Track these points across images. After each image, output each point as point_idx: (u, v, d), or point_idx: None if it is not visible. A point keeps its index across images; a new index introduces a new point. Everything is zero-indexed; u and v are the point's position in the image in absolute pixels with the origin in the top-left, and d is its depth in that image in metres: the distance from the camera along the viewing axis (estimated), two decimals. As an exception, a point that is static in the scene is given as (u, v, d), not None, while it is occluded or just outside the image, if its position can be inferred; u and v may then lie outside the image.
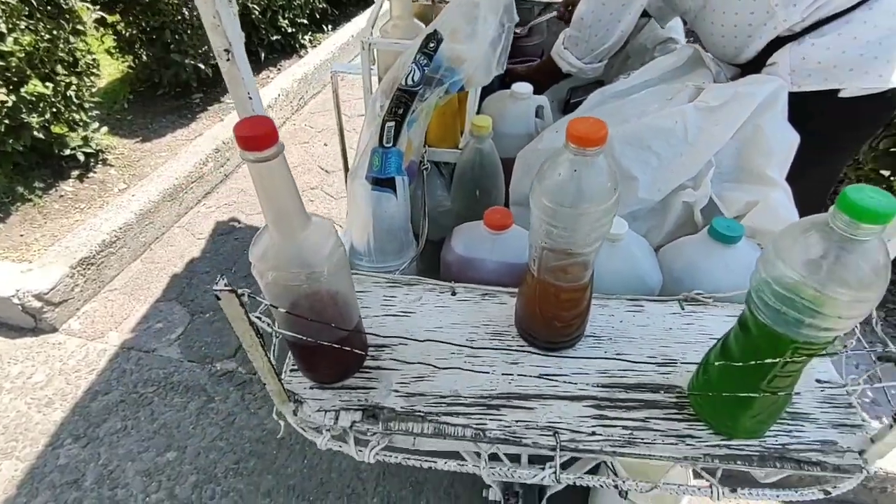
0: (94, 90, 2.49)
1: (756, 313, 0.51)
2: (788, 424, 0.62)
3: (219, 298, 0.49)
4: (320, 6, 3.82)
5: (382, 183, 0.84)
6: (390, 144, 0.83)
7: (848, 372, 0.67)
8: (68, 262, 1.92)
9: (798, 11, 0.94)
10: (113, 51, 2.89)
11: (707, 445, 0.60)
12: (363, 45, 1.06)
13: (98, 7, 2.61)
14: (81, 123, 2.40)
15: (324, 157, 2.81)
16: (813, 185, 1.03)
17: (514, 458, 0.85)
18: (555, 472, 0.60)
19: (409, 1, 1.14)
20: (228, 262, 2.19)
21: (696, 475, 0.63)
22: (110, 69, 3.11)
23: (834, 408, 0.63)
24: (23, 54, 2.06)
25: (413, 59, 0.85)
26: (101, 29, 2.77)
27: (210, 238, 2.31)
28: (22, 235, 2.14)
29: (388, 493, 1.45)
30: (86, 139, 2.41)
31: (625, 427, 0.62)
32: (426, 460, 0.64)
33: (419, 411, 0.63)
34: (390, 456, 0.64)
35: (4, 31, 2.00)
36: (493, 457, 0.66)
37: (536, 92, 1.12)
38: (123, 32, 2.80)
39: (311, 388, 0.67)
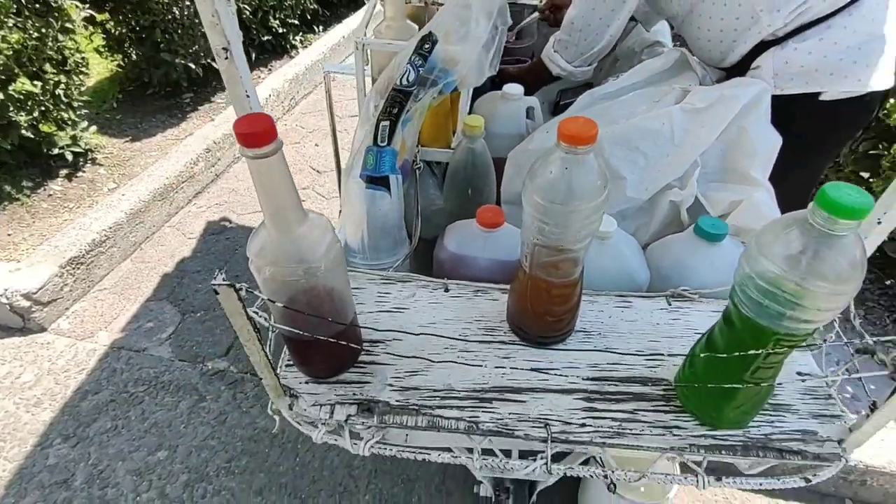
0: (83, 89, 2.47)
1: (740, 307, 0.53)
2: (771, 415, 0.64)
3: (217, 293, 0.50)
4: (311, 7, 3.82)
5: (377, 181, 0.85)
6: (385, 143, 0.84)
7: (828, 366, 0.70)
8: (57, 261, 1.90)
9: (781, 17, 0.97)
10: (102, 49, 2.87)
11: (693, 436, 0.62)
12: (357, 45, 1.07)
13: (87, 5, 2.59)
14: (70, 122, 2.38)
15: (315, 158, 2.81)
16: (795, 185, 1.06)
17: (506, 454, 0.86)
18: (546, 464, 0.62)
19: (402, 2, 1.15)
20: (219, 261, 2.18)
21: (684, 468, 0.65)
22: (99, 68, 3.08)
23: (814, 399, 0.66)
24: (11, 52, 2.05)
25: (408, 60, 0.87)
26: (91, 27, 2.74)
27: (201, 238, 2.30)
28: (10, 235, 2.12)
29: (380, 490, 1.46)
30: (74, 138, 2.39)
31: (614, 419, 0.63)
32: (420, 452, 0.66)
33: (413, 405, 0.65)
34: (385, 449, 0.65)
35: (-8, 28, 1.98)
36: (486, 451, 0.67)
37: (527, 93, 1.14)
38: (113, 31, 2.78)
39: (306, 382, 0.68)
